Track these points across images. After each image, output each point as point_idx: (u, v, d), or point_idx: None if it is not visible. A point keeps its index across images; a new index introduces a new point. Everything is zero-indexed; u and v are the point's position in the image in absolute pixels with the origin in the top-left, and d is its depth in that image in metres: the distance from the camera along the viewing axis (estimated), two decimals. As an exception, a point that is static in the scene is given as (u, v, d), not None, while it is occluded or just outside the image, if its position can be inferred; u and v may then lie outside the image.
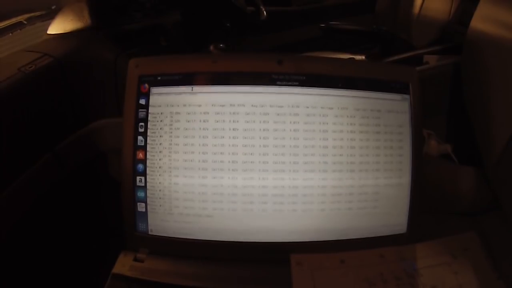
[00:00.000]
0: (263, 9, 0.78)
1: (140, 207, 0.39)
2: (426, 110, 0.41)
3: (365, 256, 0.39)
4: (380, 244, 0.40)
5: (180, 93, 0.38)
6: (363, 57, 0.73)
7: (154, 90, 0.38)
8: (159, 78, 0.38)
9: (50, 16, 0.62)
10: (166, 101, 0.38)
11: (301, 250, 0.38)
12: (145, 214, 0.39)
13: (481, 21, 0.44)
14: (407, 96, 0.40)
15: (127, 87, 0.39)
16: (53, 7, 0.75)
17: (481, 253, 0.42)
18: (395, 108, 0.40)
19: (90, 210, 0.49)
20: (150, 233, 0.40)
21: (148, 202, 0.39)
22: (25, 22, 0.68)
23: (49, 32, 0.53)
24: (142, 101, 0.39)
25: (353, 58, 0.67)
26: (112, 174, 0.52)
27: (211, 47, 0.51)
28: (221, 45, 0.51)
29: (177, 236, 0.39)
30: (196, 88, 0.38)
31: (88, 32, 0.51)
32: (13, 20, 0.69)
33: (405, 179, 0.40)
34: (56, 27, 0.52)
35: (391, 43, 0.70)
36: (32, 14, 0.71)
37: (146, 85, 0.39)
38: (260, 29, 0.81)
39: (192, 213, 0.38)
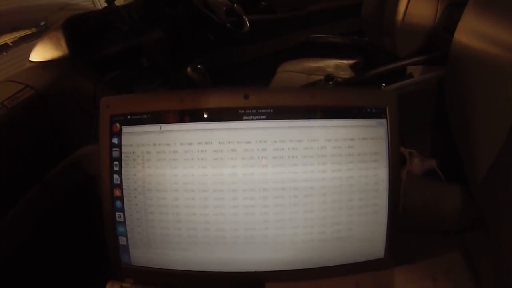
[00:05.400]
0: (246, 20, 0.76)
1: (122, 240, 0.41)
2: (410, 126, 0.40)
3: (340, 284, 0.39)
4: (357, 271, 0.40)
5: (149, 132, 0.38)
6: (348, 62, 0.70)
7: (125, 129, 0.39)
8: (129, 117, 0.39)
9: (36, 36, 0.62)
10: (137, 140, 0.39)
11: (276, 279, 0.39)
12: (127, 247, 0.41)
13: (465, 34, 0.41)
14: (383, 121, 0.39)
15: (100, 126, 0.39)
16: (41, 24, 0.76)
17: (463, 275, 0.41)
18: (370, 135, 0.39)
19: (82, 235, 0.51)
20: (133, 264, 0.41)
21: (128, 236, 0.41)
22: (10, 44, 0.70)
23: (31, 59, 0.54)
24: (115, 140, 0.39)
25: (332, 75, 0.64)
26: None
27: (189, 69, 0.50)
28: (199, 66, 0.51)
29: (158, 266, 0.41)
30: (164, 127, 0.38)
31: (67, 60, 0.52)
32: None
33: (382, 204, 0.39)
34: (37, 55, 0.53)
35: (373, 54, 0.66)
36: (20, 34, 0.72)
37: (118, 125, 0.39)
38: (245, 39, 0.79)
39: (169, 246, 0.40)
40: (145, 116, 0.38)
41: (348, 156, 0.38)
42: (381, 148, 0.39)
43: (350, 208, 0.38)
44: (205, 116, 0.37)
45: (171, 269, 0.40)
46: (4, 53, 0.68)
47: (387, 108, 0.39)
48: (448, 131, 0.46)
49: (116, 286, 0.42)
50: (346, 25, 0.98)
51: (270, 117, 0.37)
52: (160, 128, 0.38)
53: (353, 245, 0.40)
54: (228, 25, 0.70)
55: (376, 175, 0.39)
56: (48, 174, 0.49)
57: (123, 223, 0.40)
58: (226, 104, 0.37)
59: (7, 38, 0.72)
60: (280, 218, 0.38)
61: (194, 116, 0.38)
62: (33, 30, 0.74)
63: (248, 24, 0.76)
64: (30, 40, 0.70)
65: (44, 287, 0.47)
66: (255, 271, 0.40)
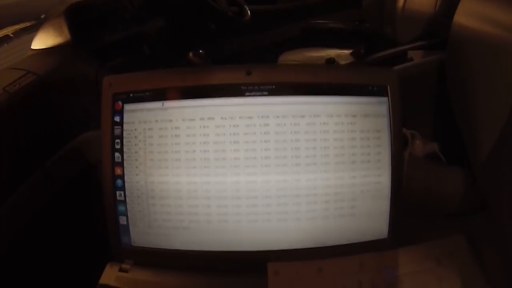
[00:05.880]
0: (247, 9, 0.77)
1: (122, 220, 0.40)
2: (412, 109, 0.40)
3: (344, 264, 0.38)
4: (361, 250, 0.39)
5: (151, 109, 0.38)
6: (349, 52, 0.70)
7: (127, 107, 0.39)
8: (131, 95, 0.39)
9: (37, 27, 0.63)
10: (139, 117, 0.39)
11: (279, 258, 0.39)
12: (127, 227, 0.41)
13: (464, 16, 0.41)
14: (384, 99, 0.39)
15: (102, 105, 0.39)
16: (42, 16, 0.77)
17: (468, 257, 0.40)
18: (372, 112, 0.39)
19: (82, 222, 0.50)
20: (133, 244, 0.41)
21: (129, 215, 0.40)
22: (11, 35, 0.70)
23: (32, 47, 0.54)
24: (117, 118, 0.39)
25: (333, 58, 0.65)
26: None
27: (190, 54, 0.51)
28: (200, 51, 0.51)
29: (158, 247, 0.40)
30: (167, 103, 0.38)
31: (69, 47, 0.52)
32: (0, 34, 0.70)
33: (385, 184, 0.39)
34: (39, 43, 0.53)
35: (375, 40, 0.67)
36: (20, 26, 0.72)
37: (120, 103, 0.39)
38: (246, 29, 0.80)
39: (170, 225, 0.39)
40: (148, 93, 0.39)
41: (351, 132, 0.38)
42: (383, 125, 0.39)
43: (353, 185, 0.38)
44: (208, 92, 0.37)
45: (172, 249, 0.40)
46: (5, 44, 0.69)
47: (388, 87, 0.39)
48: (449, 115, 0.46)
49: (116, 268, 0.41)
50: (346, 16, 1.00)
51: (272, 93, 0.37)
52: (163, 105, 0.38)
53: (357, 224, 0.39)
54: (230, 13, 0.71)
55: (379, 152, 0.39)
56: (49, 161, 0.49)
57: (124, 201, 0.40)
58: (229, 81, 0.37)
59: (7, 31, 0.72)
60: (283, 194, 0.37)
61: (196, 92, 0.38)
62: (34, 22, 0.75)
63: (249, 13, 0.77)
64: (31, 31, 0.70)
65: (44, 273, 0.47)
66: (257, 251, 0.39)
